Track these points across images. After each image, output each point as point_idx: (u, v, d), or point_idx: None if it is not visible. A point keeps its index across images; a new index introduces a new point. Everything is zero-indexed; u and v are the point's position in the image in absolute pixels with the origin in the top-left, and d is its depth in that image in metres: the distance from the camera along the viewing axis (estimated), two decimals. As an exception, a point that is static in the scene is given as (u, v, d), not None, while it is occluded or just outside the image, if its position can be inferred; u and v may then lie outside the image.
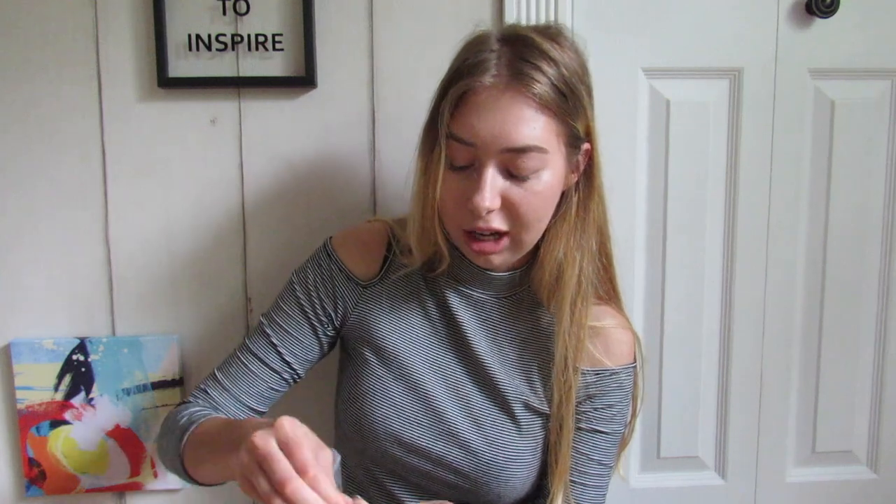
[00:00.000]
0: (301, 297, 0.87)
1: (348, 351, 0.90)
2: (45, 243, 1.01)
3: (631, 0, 1.07)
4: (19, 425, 1.02)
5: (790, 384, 1.17)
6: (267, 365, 0.86)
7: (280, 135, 1.02)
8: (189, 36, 0.98)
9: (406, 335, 0.86)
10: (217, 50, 0.99)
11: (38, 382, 1.01)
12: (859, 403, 1.19)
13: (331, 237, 0.90)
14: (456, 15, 1.01)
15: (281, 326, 0.87)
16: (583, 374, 0.84)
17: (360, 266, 0.87)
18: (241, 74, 0.99)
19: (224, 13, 0.98)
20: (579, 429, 0.86)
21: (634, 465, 1.17)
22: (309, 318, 0.87)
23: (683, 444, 1.17)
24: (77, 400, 1.02)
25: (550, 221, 0.81)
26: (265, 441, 0.58)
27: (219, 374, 0.88)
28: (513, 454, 0.84)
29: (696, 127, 1.10)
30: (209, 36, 0.98)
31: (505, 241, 0.78)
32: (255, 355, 0.87)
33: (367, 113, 1.03)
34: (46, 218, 1.01)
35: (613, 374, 0.86)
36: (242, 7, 0.98)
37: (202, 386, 0.88)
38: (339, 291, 0.87)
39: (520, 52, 0.75)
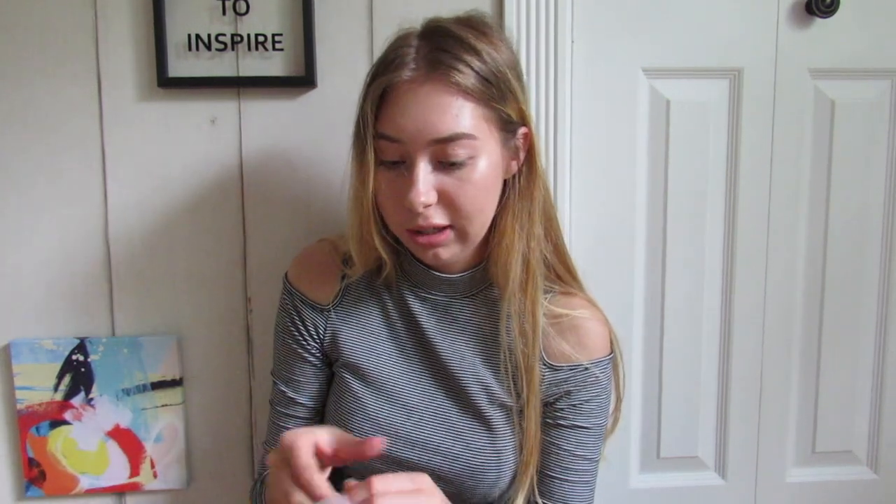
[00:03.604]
0: (289, 341, 0.88)
1: (332, 371, 0.91)
2: (45, 243, 1.01)
3: (631, 0, 1.07)
4: (19, 425, 1.02)
5: (790, 384, 1.17)
6: (298, 417, 0.89)
7: (280, 135, 1.02)
8: (189, 36, 0.98)
9: (376, 350, 0.86)
10: (217, 50, 0.99)
11: (37, 382, 1.01)
12: (859, 403, 1.19)
13: (287, 272, 0.91)
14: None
15: (289, 377, 0.89)
16: (557, 369, 0.84)
17: (319, 291, 0.87)
18: (241, 74, 0.99)
19: (224, 13, 0.98)
20: (560, 426, 0.85)
21: (634, 465, 1.17)
22: (305, 358, 0.88)
23: (683, 445, 1.17)
24: (77, 400, 1.02)
25: (497, 211, 0.80)
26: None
27: (267, 448, 0.92)
28: (491, 455, 0.83)
29: (696, 127, 1.10)
30: (209, 36, 0.98)
31: (449, 234, 0.77)
32: (284, 414, 0.90)
33: (367, 113, 1.03)
34: (46, 218, 1.01)
35: (588, 368, 0.85)
36: (242, 7, 0.98)
37: (262, 460, 0.93)
38: (309, 322, 0.87)
39: (438, 43, 0.74)
